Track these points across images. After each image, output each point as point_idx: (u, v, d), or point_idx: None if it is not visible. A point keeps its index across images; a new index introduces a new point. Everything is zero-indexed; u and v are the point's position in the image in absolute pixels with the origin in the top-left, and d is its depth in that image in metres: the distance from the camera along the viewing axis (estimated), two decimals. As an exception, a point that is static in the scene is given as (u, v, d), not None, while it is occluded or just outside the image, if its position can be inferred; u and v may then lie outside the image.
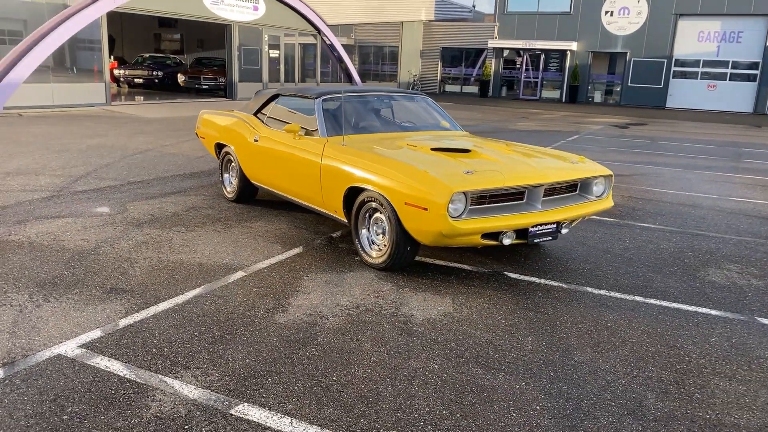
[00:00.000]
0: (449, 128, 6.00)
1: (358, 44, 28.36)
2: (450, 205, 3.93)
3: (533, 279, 4.50)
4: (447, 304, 3.97)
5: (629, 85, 28.07)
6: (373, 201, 4.46)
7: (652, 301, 4.17)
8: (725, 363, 3.30)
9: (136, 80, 22.38)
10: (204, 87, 21.50)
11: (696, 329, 3.72)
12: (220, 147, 6.73)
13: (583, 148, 12.73)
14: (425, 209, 4.00)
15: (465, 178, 4.05)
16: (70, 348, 3.18)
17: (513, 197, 4.33)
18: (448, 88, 32.58)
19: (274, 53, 21.93)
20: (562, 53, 29.00)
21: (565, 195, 4.66)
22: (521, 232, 4.26)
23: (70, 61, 15.31)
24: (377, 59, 30.14)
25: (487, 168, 4.26)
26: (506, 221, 4.11)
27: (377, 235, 4.61)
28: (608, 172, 4.79)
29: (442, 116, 6.14)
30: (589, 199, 4.73)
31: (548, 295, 4.19)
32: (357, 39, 28.23)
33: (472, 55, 31.48)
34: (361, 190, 4.57)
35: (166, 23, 27.14)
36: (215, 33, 22.54)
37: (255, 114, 6.25)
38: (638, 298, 4.20)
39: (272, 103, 6.10)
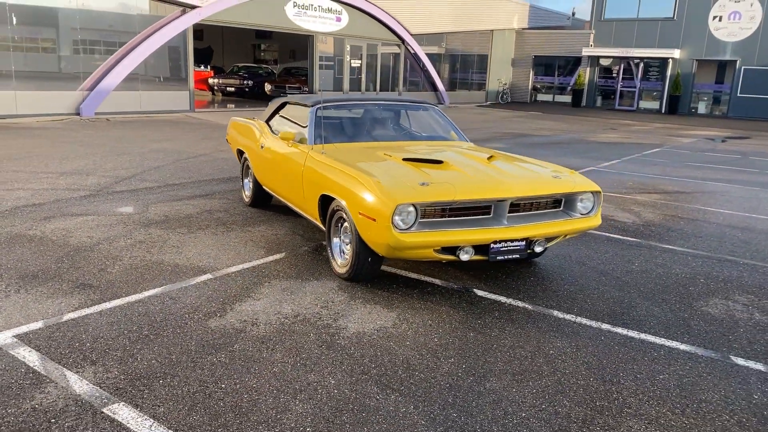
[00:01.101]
0: (453, 139, 5.82)
1: (448, 53, 28.23)
2: (395, 217, 3.82)
3: (499, 298, 4.26)
4: (390, 318, 3.85)
5: (738, 95, 25.95)
6: (341, 210, 4.42)
7: (619, 330, 3.82)
8: (657, 404, 2.95)
9: (228, 89, 23.59)
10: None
11: (648, 365, 3.36)
12: (240, 153, 6.95)
13: (654, 162, 11.92)
14: (374, 220, 3.91)
15: (415, 189, 3.92)
16: (4, 337, 3.40)
17: (478, 211, 4.13)
18: (540, 97, 31.67)
19: (356, 62, 22.33)
20: (663, 61, 27.31)
21: (545, 211, 4.38)
22: (482, 249, 4.06)
23: (157, 70, 16.41)
24: (467, 68, 29.81)
25: (445, 180, 4.09)
26: (460, 236, 3.92)
27: (346, 244, 4.56)
28: (595, 187, 4.45)
29: (449, 126, 5.97)
30: (573, 216, 4.42)
31: (505, 316, 3.95)
32: (447, 48, 28.10)
33: (569, 64, 30.40)
34: (333, 198, 4.55)
35: (263, 35, 28.42)
36: (305, 43, 23.33)
37: (267, 121, 6.40)
38: (605, 326, 3.86)
39: (281, 111, 6.22)
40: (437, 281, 4.57)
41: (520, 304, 4.18)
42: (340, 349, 3.41)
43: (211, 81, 24.19)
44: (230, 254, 5.04)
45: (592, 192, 4.45)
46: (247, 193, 6.85)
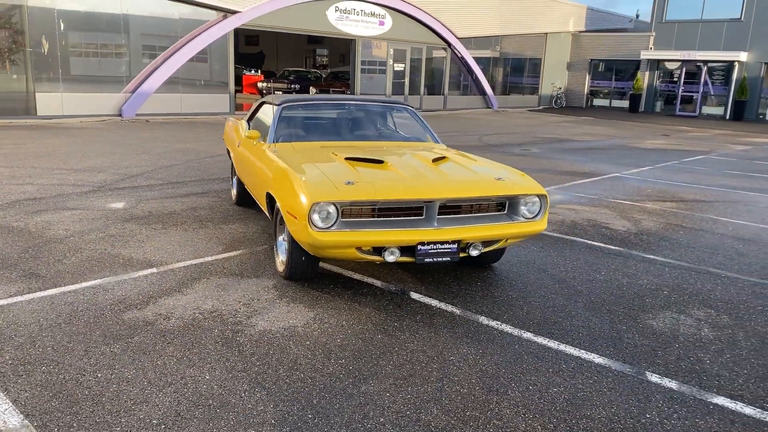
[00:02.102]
0: (425, 140, 5.71)
1: (501, 56, 27.79)
2: (313, 215, 3.78)
3: (432, 301, 4.14)
4: (306, 318, 3.81)
5: (811, 100, 24.27)
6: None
7: (539, 339, 3.63)
8: (532, 418, 2.78)
9: (276, 92, 24.11)
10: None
11: (548, 377, 3.17)
12: (229, 152, 7.07)
13: (690, 170, 11.30)
14: (296, 218, 3.89)
15: (337, 188, 3.86)
16: (-73, 320, 3.58)
17: (410, 212, 4.03)
18: (596, 102, 30.69)
19: (399, 66, 22.33)
20: (729, 64, 25.89)
21: (485, 214, 4.22)
22: (410, 250, 3.95)
23: (198, 73, 16.95)
24: (520, 71, 29.25)
25: (372, 180, 4.01)
26: (382, 236, 3.83)
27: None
28: (540, 191, 4.25)
29: (422, 128, 5.87)
30: (516, 220, 4.24)
31: (425, 320, 3.83)
32: (502, 51, 27.68)
33: (628, 68, 29.31)
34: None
35: (314, 40, 28.89)
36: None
37: (248, 120, 6.49)
38: (526, 335, 3.68)
39: (259, 110, 6.29)
40: (378, 282, 4.49)
41: (449, 308, 4.04)
42: (235, 346, 3.40)
43: (260, 85, 24.81)
44: (187, 250, 5.12)
45: (537, 195, 4.26)
46: (234, 192, 6.96)
